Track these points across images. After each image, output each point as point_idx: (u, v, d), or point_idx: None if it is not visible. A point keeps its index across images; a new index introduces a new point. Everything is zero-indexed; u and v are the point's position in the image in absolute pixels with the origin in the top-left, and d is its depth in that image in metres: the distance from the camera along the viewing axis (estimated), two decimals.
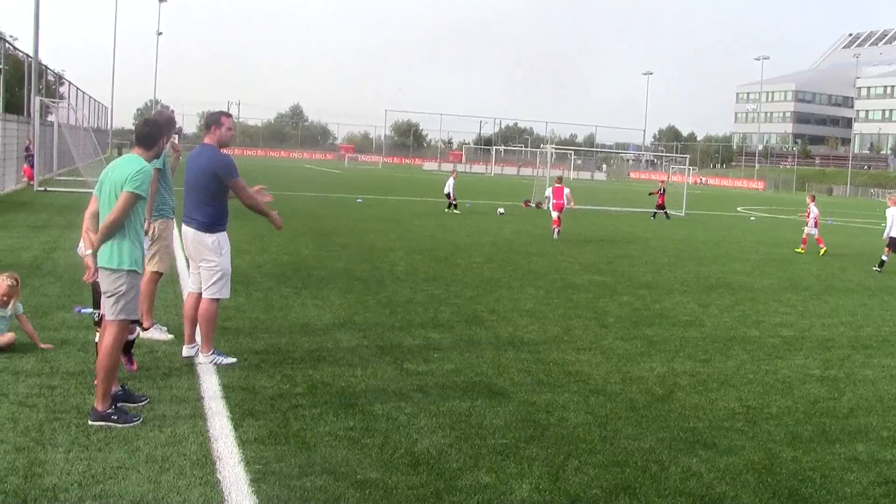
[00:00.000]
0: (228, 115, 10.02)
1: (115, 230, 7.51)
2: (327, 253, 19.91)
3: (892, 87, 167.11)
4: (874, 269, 22.89)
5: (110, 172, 7.72)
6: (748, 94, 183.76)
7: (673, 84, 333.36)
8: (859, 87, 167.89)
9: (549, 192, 30.13)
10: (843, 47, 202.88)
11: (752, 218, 44.71)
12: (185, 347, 9.75)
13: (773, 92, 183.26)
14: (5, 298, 9.71)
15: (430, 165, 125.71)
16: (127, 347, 8.55)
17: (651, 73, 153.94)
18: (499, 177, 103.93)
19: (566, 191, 28.70)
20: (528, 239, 26.50)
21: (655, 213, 39.84)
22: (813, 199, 28.89)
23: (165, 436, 7.15)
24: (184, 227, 9.68)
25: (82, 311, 11.42)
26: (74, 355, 9.45)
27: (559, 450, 7.44)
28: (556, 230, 27.57)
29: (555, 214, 28.23)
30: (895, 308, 16.58)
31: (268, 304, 12.99)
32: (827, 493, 6.85)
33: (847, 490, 6.95)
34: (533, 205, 43.11)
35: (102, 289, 7.69)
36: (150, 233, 10.40)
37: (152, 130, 8.04)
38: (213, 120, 9.77)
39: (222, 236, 9.65)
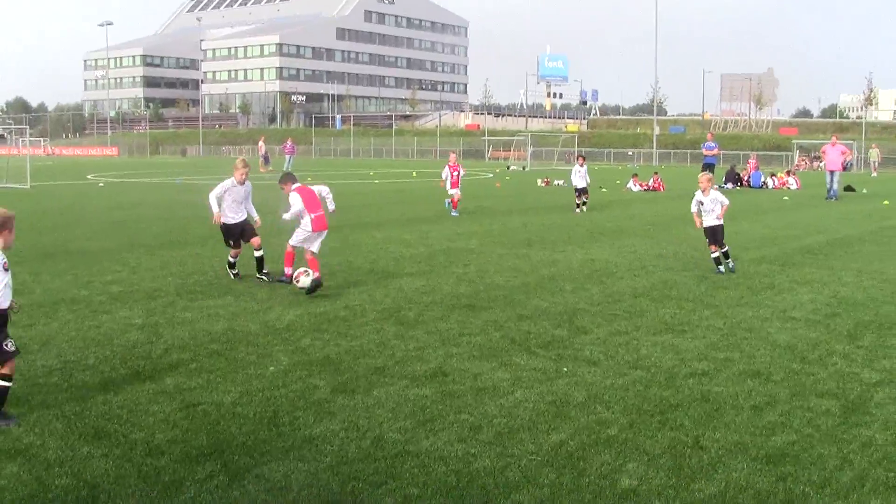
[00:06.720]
0: None
1: None
2: None
3: (236, 48, 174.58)
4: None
5: None
6: (97, 60, 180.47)
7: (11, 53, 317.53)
8: (205, 50, 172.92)
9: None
10: (188, 11, 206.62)
11: (101, 184, 43.97)
12: None
13: (121, 57, 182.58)
14: None
15: None
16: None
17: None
18: None
19: None
20: None
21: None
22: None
23: None
24: None
25: None
26: None
27: None
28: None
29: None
30: None
31: None
32: None
33: None
34: None
35: None
36: None
37: None
38: None
39: None
